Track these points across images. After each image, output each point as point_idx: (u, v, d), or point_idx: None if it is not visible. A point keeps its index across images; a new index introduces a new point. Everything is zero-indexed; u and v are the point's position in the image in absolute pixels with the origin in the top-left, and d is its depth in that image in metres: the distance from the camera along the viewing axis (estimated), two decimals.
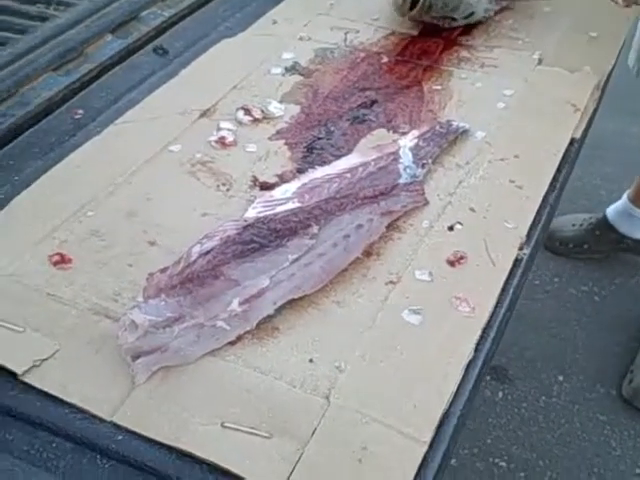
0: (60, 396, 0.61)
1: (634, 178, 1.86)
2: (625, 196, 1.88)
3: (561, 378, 1.69)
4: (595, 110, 0.94)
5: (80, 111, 0.96)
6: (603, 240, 1.91)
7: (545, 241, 1.91)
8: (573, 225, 1.95)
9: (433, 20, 1.05)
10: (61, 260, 0.74)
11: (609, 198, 1.99)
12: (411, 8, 1.04)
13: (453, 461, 1.50)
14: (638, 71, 1.47)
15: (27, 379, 0.62)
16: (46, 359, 0.64)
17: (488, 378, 1.67)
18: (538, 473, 1.50)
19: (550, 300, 1.86)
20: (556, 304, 1.85)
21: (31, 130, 0.93)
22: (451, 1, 1.04)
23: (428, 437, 0.58)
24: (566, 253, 1.94)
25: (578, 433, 1.58)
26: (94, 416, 0.60)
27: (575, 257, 1.94)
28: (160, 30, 1.13)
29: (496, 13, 1.11)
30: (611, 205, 1.92)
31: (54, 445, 0.60)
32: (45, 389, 0.62)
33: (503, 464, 1.52)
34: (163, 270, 0.69)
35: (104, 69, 1.05)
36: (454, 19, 1.06)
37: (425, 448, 0.57)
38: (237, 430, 0.59)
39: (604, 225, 1.91)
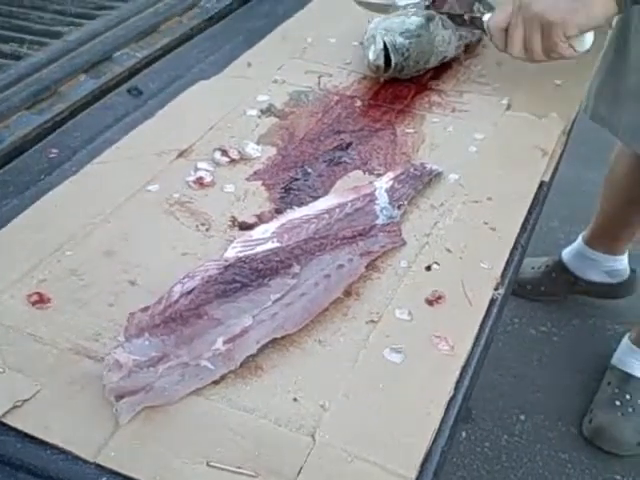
0: (42, 437, 0.60)
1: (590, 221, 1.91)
2: (580, 238, 1.92)
3: (523, 417, 1.70)
4: (561, 155, 0.97)
5: (55, 150, 0.96)
6: (559, 282, 1.95)
7: None
8: (532, 268, 1.99)
9: (407, 76, 1.08)
10: (40, 300, 0.73)
11: (567, 241, 2.03)
12: (386, 70, 1.06)
13: None
14: (586, 109, 1.51)
15: (8, 420, 0.61)
16: (27, 400, 0.63)
17: None
18: None
19: (511, 340, 1.88)
20: (516, 344, 1.88)
21: (5, 168, 0.93)
22: (422, 58, 1.06)
23: (413, 474, 0.59)
24: (524, 294, 1.97)
25: (540, 471, 1.59)
26: (77, 457, 0.59)
27: (533, 299, 1.97)
28: (134, 71, 1.14)
29: (465, 59, 1.14)
30: (567, 247, 1.96)
31: None
32: (26, 430, 0.61)
33: None
34: (144, 309, 0.69)
35: (78, 109, 1.05)
36: (427, 68, 1.09)
37: None
38: (223, 470, 0.59)
39: (559, 267, 1.95)
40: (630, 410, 1.64)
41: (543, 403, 1.73)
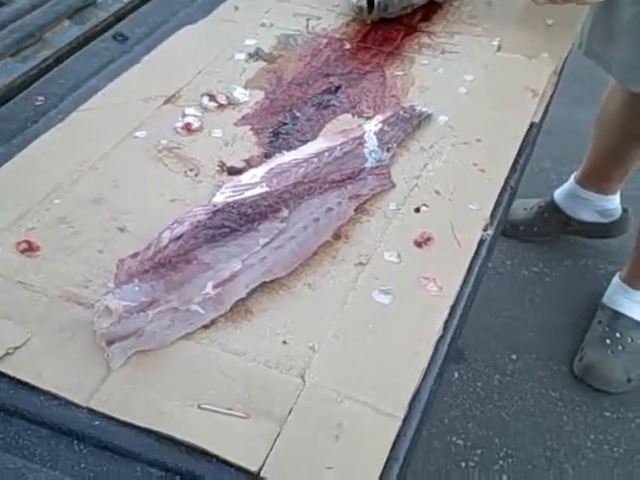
0: (34, 383, 0.61)
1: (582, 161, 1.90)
2: (572, 178, 1.92)
3: (514, 357, 1.73)
4: (552, 95, 0.96)
5: (40, 98, 0.95)
6: (551, 222, 1.96)
7: None
8: (524, 209, 1.99)
9: (393, 15, 1.07)
10: (29, 248, 0.73)
11: (559, 182, 2.03)
12: (369, 12, 1.05)
13: None
14: (580, 45, 1.50)
15: (0, 368, 0.62)
16: (19, 347, 0.64)
17: None
18: (494, 450, 1.53)
19: (503, 281, 1.90)
20: (508, 285, 1.89)
21: None
22: None
23: (402, 413, 0.60)
24: (517, 236, 1.98)
25: (531, 410, 1.62)
26: (70, 402, 0.60)
27: (526, 240, 1.98)
28: (119, 16, 1.12)
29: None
30: (559, 188, 1.96)
31: (30, 432, 0.60)
32: (19, 377, 0.62)
33: (460, 442, 1.55)
34: (134, 255, 0.69)
35: (63, 55, 1.03)
36: (414, 5, 1.08)
37: (399, 423, 0.59)
38: (214, 411, 0.60)
39: (552, 207, 1.95)
40: (620, 348, 1.66)
41: (535, 343, 1.75)
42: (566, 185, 1.94)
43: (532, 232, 1.97)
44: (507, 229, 1.97)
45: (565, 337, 1.75)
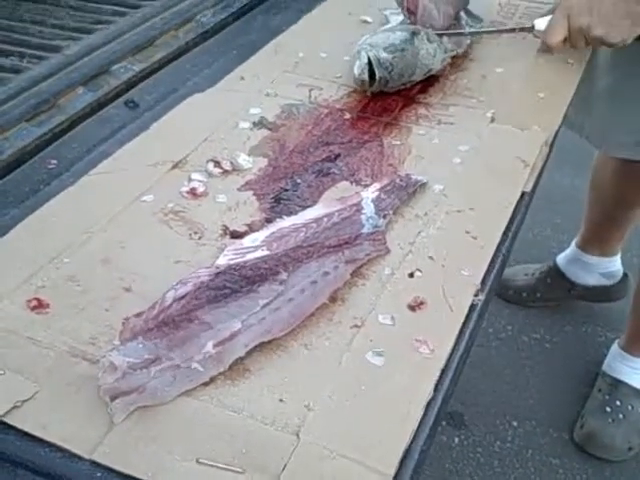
0: (40, 435, 0.63)
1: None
2: (573, 243, 1.95)
3: (515, 423, 1.73)
4: (544, 166, 1.00)
5: (53, 161, 0.99)
6: (555, 288, 1.98)
7: (499, 290, 1.98)
8: (525, 275, 2.02)
9: (393, 89, 1.12)
10: (39, 305, 0.76)
11: (559, 248, 2.06)
12: (371, 84, 1.10)
13: None
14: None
15: (7, 420, 0.64)
16: (26, 400, 0.66)
17: (444, 424, 1.71)
18: None
19: (503, 347, 1.92)
20: (509, 351, 1.91)
21: (5, 179, 0.96)
22: (405, 70, 1.10)
23: (392, 470, 0.61)
24: (519, 302, 2.00)
25: (532, 477, 1.62)
26: (73, 455, 0.62)
27: (528, 305, 2.00)
28: (130, 84, 1.17)
29: (451, 73, 1.17)
30: (561, 254, 1.99)
31: None
32: (25, 429, 0.64)
33: None
34: (138, 315, 0.72)
35: (76, 121, 1.08)
36: (412, 81, 1.13)
37: None
38: (212, 466, 0.62)
39: (555, 273, 1.97)
40: (620, 417, 1.66)
41: (535, 409, 1.76)
42: (568, 251, 1.97)
43: (535, 298, 2.00)
44: (509, 295, 2.00)
45: (566, 404, 1.76)
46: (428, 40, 1.11)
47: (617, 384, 1.71)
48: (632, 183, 1.70)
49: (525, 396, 1.79)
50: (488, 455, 1.66)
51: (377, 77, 1.08)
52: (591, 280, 1.95)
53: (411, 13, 1.17)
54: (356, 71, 1.09)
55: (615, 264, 1.93)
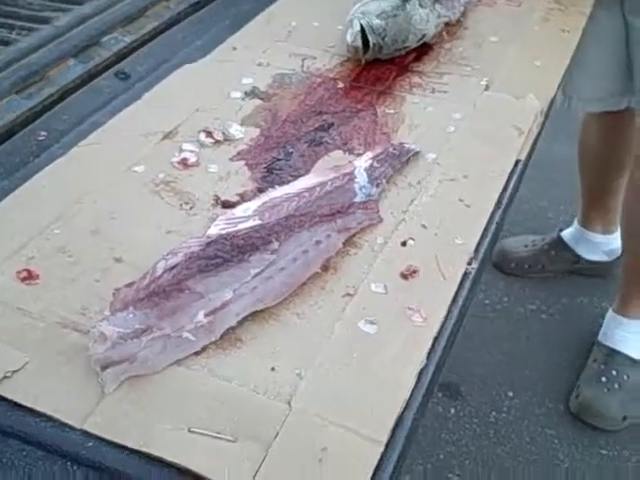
0: (31, 406, 0.63)
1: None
2: (575, 222, 1.96)
3: (511, 394, 1.73)
4: (539, 134, 0.99)
5: (43, 133, 0.99)
6: (559, 260, 1.98)
7: (498, 262, 1.98)
8: (525, 246, 2.02)
9: (388, 56, 1.11)
10: (29, 276, 0.76)
11: (556, 219, 2.06)
12: (364, 52, 1.09)
13: (407, 477, 1.53)
14: (562, 103, 1.54)
15: None
16: (16, 370, 0.66)
17: (440, 395, 1.71)
18: None
19: (500, 319, 1.92)
20: (505, 322, 1.91)
21: None
22: (399, 36, 1.09)
23: (384, 438, 0.61)
24: (521, 273, 2.00)
25: (528, 447, 1.62)
26: (65, 424, 0.62)
27: (529, 277, 2.00)
28: (121, 55, 1.16)
29: (446, 42, 1.16)
30: (565, 229, 1.99)
31: (25, 453, 0.62)
32: (16, 399, 0.64)
33: (456, 478, 1.55)
34: (129, 285, 0.72)
35: (66, 92, 1.07)
36: (407, 47, 1.12)
37: (382, 448, 0.61)
38: (203, 435, 0.62)
39: (560, 245, 1.98)
40: (616, 386, 1.67)
41: (531, 380, 1.76)
42: (572, 229, 1.97)
43: (537, 269, 2.00)
44: (511, 267, 2.00)
45: (562, 375, 1.76)
46: (420, 5, 1.10)
47: (612, 354, 1.71)
48: (617, 140, 1.71)
49: (521, 367, 1.79)
50: (484, 425, 1.67)
51: (370, 44, 1.07)
52: (595, 256, 1.96)
53: None
54: (349, 38, 1.08)
55: (616, 241, 1.93)
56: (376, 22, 1.06)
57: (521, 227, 2.06)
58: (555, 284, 2.00)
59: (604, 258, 1.95)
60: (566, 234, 1.98)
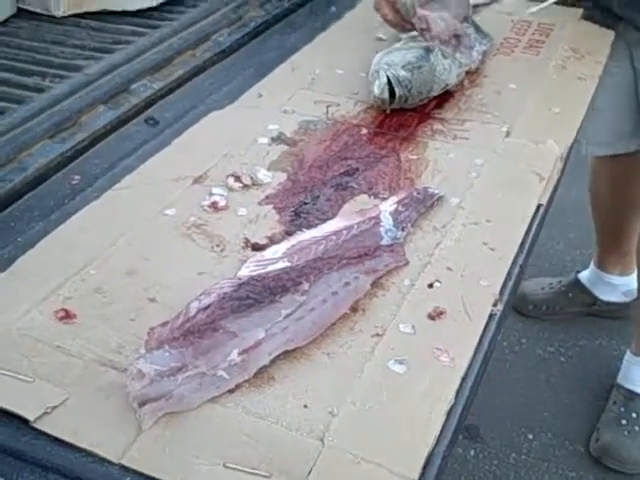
0: (70, 441, 0.65)
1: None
2: (592, 265, 1.97)
3: (530, 436, 1.73)
4: (559, 179, 1.01)
5: (77, 177, 1.01)
6: (576, 302, 1.99)
7: (516, 304, 1.99)
8: (543, 288, 2.03)
9: (412, 105, 1.14)
10: (66, 315, 0.78)
11: (572, 262, 2.07)
12: (390, 102, 1.12)
13: None
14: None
15: (38, 425, 0.66)
16: (56, 406, 0.68)
17: (460, 437, 1.71)
18: None
19: (518, 361, 1.92)
20: (524, 365, 1.91)
21: (30, 194, 0.98)
22: (424, 87, 1.12)
23: (416, 475, 0.63)
24: (538, 315, 2.01)
25: None
26: (103, 459, 0.64)
27: (546, 319, 2.01)
28: (150, 102, 1.19)
29: (466, 89, 1.19)
30: (582, 271, 2.00)
31: None
32: (56, 434, 0.65)
33: None
34: (164, 324, 0.74)
35: (97, 138, 1.10)
36: (430, 96, 1.14)
37: None
38: (238, 470, 0.63)
39: (578, 287, 1.99)
40: (637, 429, 1.67)
41: (551, 422, 1.76)
42: (588, 272, 1.98)
43: (555, 311, 2.00)
44: (528, 309, 2.01)
45: (581, 417, 1.76)
46: (443, 56, 1.13)
47: (632, 396, 1.71)
48: (628, 184, 1.74)
49: (540, 409, 1.79)
50: (504, 467, 1.67)
51: (397, 95, 1.10)
52: (613, 297, 1.96)
53: (424, 30, 1.19)
54: (376, 90, 1.11)
55: (634, 281, 1.94)
56: (402, 74, 1.09)
57: (538, 269, 2.08)
58: (573, 326, 2.00)
59: (622, 299, 1.96)
60: (583, 276, 1.99)
